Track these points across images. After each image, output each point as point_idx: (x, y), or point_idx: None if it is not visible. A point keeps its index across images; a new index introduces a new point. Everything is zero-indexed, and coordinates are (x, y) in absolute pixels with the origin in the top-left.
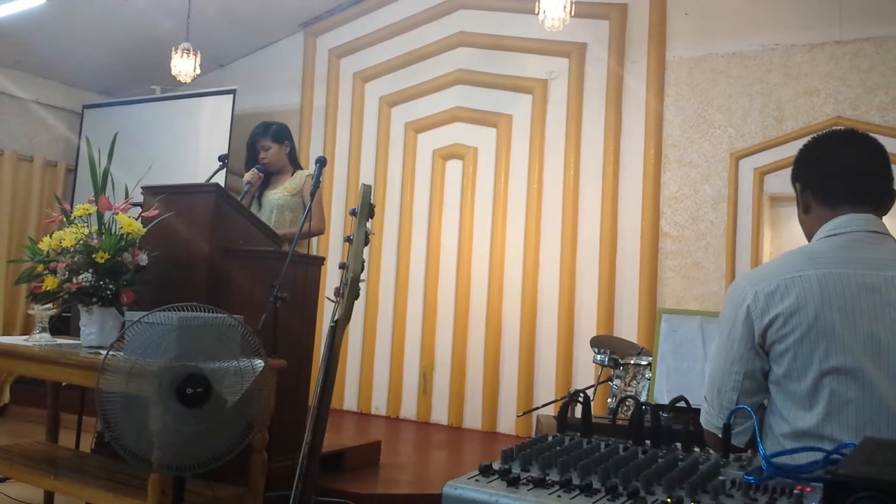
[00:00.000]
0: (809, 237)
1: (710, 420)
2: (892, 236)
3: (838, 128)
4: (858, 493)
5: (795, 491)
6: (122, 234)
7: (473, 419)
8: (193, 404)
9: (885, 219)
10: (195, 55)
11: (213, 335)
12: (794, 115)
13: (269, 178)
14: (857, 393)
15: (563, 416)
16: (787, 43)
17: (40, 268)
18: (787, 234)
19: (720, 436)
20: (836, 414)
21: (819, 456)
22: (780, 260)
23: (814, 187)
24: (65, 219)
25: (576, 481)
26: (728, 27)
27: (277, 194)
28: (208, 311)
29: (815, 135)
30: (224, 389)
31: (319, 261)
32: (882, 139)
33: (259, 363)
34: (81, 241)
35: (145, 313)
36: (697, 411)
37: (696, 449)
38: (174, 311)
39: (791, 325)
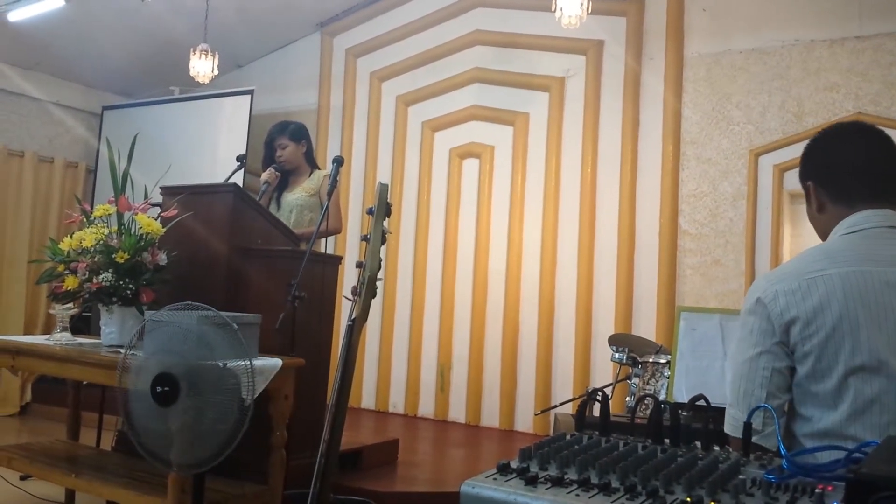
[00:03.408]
0: (824, 235)
1: (739, 427)
2: None
3: (845, 122)
4: (881, 493)
5: (817, 490)
6: (141, 234)
7: (491, 417)
8: (164, 403)
9: None
10: (213, 56)
11: (199, 334)
12: (814, 111)
13: (287, 178)
14: (882, 392)
15: (581, 415)
16: (806, 38)
17: (61, 268)
18: (807, 232)
19: (756, 442)
20: (861, 413)
21: (841, 455)
22: (801, 259)
23: (828, 186)
24: (85, 219)
25: (594, 480)
26: (746, 23)
27: (296, 195)
28: (203, 310)
29: (821, 130)
30: (198, 389)
31: (337, 260)
32: None
33: (244, 363)
34: (101, 242)
35: (153, 312)
36: (717, 409)
37: (716, 448)
38: (170, 310)
39: (815, 326)
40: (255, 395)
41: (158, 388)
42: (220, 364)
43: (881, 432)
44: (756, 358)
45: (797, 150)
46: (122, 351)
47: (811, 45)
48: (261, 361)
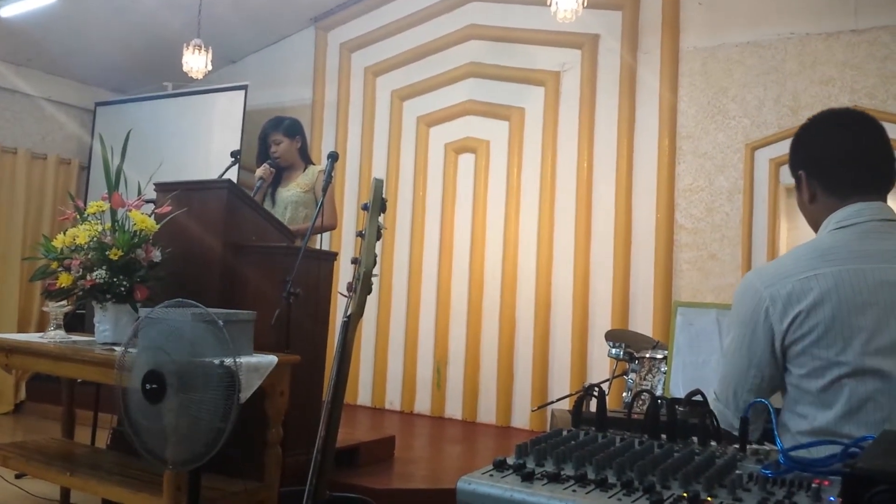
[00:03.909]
0: (815, 226)
1: (727, 420)
2: None
3: (835, 109)
4: (877, 487)
5: (813, 485)
6: (135, 231)
7: (488, 414)
8: (153, 400)
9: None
10: (207, 51)
11: (189, 331)
12: (810, 105)
13: (281, 174)
14: (876, 391)
15: (577, 411)
16: (802, 32)
17: (54, 265)
18: (802, 225)
19: (735, 434)
20: (855, 412)
21: (836, 450)
22: (793, 257)
23: (820, 176)
24: (78, 216)
25: (591, 476)
26: (742, 16)
27: (291, 191)
28: (192, 307)
29: (811, 118)
30: (186, 387)
31: (332, 256)
32: None
33: (232, 360)
34: (95, 238)
35: (150, 309)
36: None
37: (713, 443)
38: (161, 307)
39: (809, 326)
40: (251, 392)
41: (148, 386)
42: (216, 361)
43: (875, 430)
44: (748, 366)
45: None
46: (115, 348)
47: (806, 38)
48: (256, 358)
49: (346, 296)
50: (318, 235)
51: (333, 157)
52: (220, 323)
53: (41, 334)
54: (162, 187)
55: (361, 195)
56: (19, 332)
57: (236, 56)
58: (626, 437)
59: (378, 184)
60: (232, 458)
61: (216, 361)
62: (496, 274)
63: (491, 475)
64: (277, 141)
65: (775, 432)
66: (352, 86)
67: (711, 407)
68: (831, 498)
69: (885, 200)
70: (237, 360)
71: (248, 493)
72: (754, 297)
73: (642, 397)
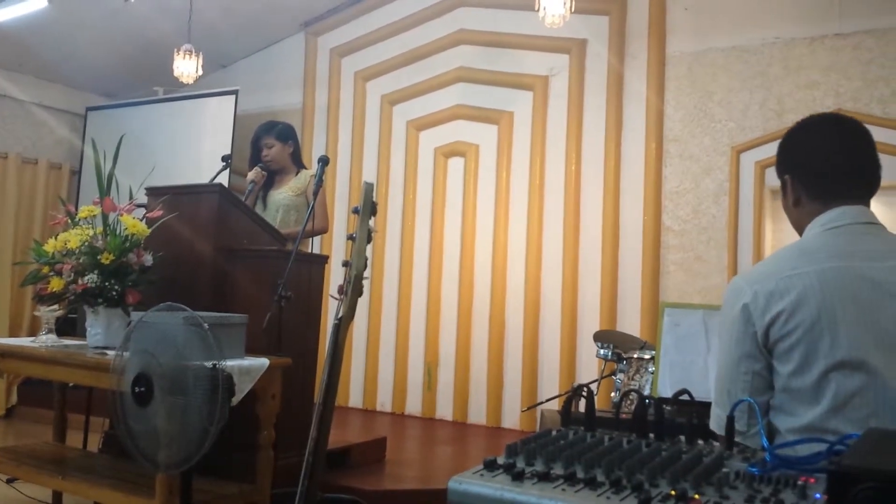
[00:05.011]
0: (799, 229)
1: (723, 424)
2: (884, 226)
3: (821, 114)
4: (862, 484)
5: (799, 482)
6: (126, 236)
7: (478, 414)
8: (141, 403)
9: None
10: (197, 56)
11: (177, 335)
12: (795, 109)
13: (272, 177)
14: (861, 386)
15: (566, 411)
16: (787, 36)
17: (46, 269)
18: (788, 227)
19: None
20: (842, 408)
21: (822, 447)
22: (777, 258)
23: (805, 181)
24: (69, 220)
25: (580, 475)
26: (728, 21)
27: (282, 194)
28: (181, 311)
29: (797, 123)
30: (173, 390)
31: (323, 259)
32: (883, 131)
33: (219, 364)
34: (86, 243)
35: (142, 314)
36: (700, 404)
37: (700, 441)
38: (151, 311)
39: (794, 323)
40: (243, 395)
41: (136, 389)
42: (209, 365)
43: (861, 426)
44: (737, 363)
45: None
46: (107, 352)
47: (791, 42)
48: (248, 361)
49: (337, 298)
50: (310, 239)
51: (324, 160)
52: (206, 326)
53: (33, 338)
54: (153, 192)
55: (352, 199)
56: (11, 336)
57: (227, 61)
58: (614, 437)
59: (368, 187)
60: (224, 460)
61: (205, 364)
62: (486, 276)
63: (481, 475)
64: (270, 145)
65: (762, 430)
66: (342, 90)
67: (712, 415)
68: (817, 495)
69: (867, 205)
70: (228, 363)
71: (240, 495)
72: (738, 296)
73: (630, 397)
